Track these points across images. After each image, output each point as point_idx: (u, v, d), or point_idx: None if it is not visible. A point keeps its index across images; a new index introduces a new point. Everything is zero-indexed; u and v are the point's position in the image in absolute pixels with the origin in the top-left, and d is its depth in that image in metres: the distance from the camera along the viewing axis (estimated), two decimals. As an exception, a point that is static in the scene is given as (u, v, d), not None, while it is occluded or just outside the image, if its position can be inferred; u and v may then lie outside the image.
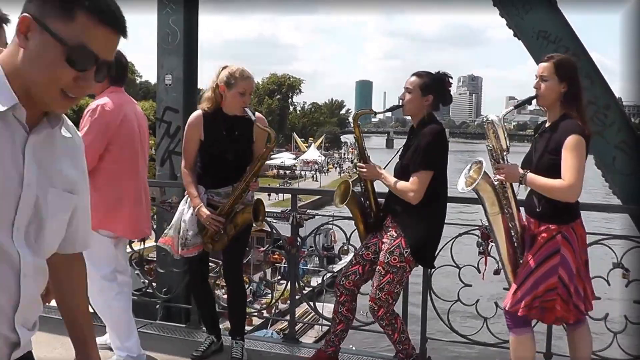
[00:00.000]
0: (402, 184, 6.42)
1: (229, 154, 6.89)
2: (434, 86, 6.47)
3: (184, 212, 6.91)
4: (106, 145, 6.51)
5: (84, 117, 6.43)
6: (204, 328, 7.70)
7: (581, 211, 5.96)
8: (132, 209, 6.89)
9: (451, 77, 6.67)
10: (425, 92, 6.44)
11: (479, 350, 8.30)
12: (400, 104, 6.64)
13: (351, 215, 7.01)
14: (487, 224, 6.17)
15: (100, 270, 6.72)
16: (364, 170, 6.75)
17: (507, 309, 5.87)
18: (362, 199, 6.87)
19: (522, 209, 6.06)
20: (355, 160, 7.00)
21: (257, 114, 6.89)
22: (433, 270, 7.38)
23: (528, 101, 6.03)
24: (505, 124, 5.91)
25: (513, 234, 5.95)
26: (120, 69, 6.74)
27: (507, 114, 6.04)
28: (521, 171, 5.72)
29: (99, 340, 7.22)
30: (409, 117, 6.66)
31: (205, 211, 6.75)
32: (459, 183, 5.90)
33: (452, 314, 7.74)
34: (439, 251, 6.93)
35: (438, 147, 6.40)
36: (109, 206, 6.63)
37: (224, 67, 6.83)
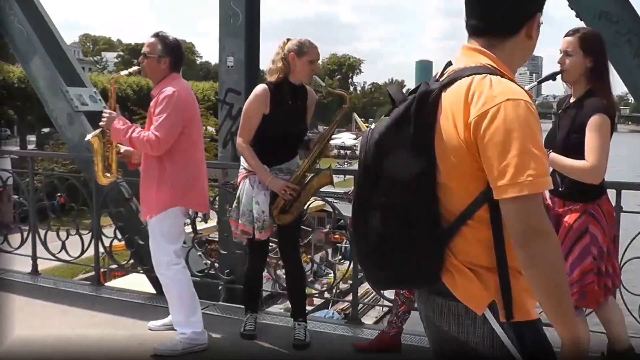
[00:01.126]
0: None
1: (297, 123, 7.00)
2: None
3: (254, 194, 6.90)
4: (182, 127, 6.70)
5: (161, 101, 6.61)
6: (246, 308, 7.63)
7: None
8: (203, 185, 7.21)
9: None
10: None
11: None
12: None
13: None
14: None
15: (174, 244, 6.96)
16: None
17: None
18: None
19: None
20: None
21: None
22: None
23: (552, 76, 5.83)
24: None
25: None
26: (181, 56, 6.95)
27: (531, 89, 5.90)
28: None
29: (160, 322, 7.33)
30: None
31: (279, 180, 6.81)
32: None
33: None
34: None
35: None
36: (187, 184, 6.87)
37: (288, 39, 6.90)
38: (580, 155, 5.41)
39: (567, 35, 5.71)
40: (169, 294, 7.08)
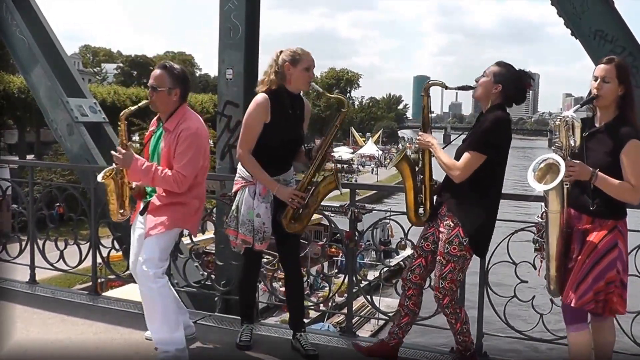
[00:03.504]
0: (449, 159, 6.46)
1: (296, 132, 7.05)
2: (507, 78, 6.45)
3: (254, 205, 6.95)
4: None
5: (184, 139, 6.73)
6: (243, 319, 7.67)
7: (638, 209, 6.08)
8: (202, 209, 7.37)
9: (532, 78, 6.73)
10: (497, 80, 6.44)
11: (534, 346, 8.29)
12: (473, 84, 6.67)
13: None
14: (541, 219, 6.21)
15: (164, 262, 6.99)
16: (420, 137, 6.79)
17: (573, 304, 5.87)
18: (417, 170, 6.82)
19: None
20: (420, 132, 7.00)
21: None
22: (490, 266, 7.47)
23: (591, 101, 6.01)
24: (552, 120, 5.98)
25: (564, 229, 6.00)
26: (188, 85, 7.12)
27: (576, 111, 6.07)
28: (590, 169, 5.75)
29: (147, 334, 7.37)
30: (466, 113, 6.68)
31: (286, 188, 6.90)
32: (529, 179, 5.84)
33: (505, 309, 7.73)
34: (496, 247, 7.00)
35: (496, 134, 6.39)
36: (194, 209, 7.06)
37: (281, 51, 6.97)
38: (612, 176, 5.76)
39: (602, 63, 6.05)
40: (152, 308, 7.01)
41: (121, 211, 7.15)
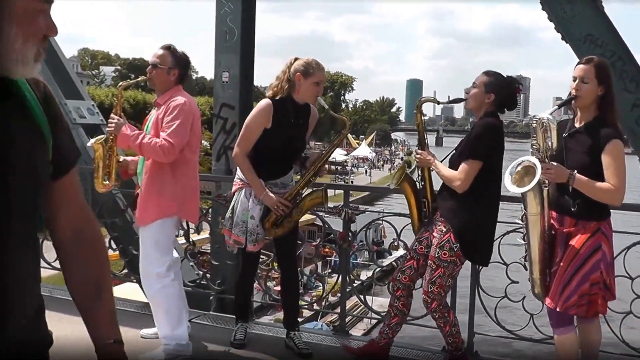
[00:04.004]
0: (449, 172, 6.53)
1: (296, 141, 7.13)
2: (499, 86, 6.56)
3: (249, 207, 7.03)
4: (189, 137, 6.90)
5: (173, 109, 6.79)
6: (237, 318, 7.75)
7: (629, 211, 6.13)
8: (197, 196, 7.38)
9: (521, 84, 6.80)
10: (489, 90, 6.53)
11: (525, 345, 8.38)
12: (463, 97, 6.80)
13: (400, 212, 7.12)
14: (521, 222, 6.29)
15: (166, 255, 7.06)
16: (419, 156, 6.86)
17: (559, 309, 5.92)
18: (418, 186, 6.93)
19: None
20: (416, 148, 7.10)
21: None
22: (481, 267, 7.51)
23: (569, 101, 6.04)
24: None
25: (545, 231, 6.03)
26: (187, 70, 7.18)
27: (553, 112, 6.12)
28: (568, 171, 5.78)
29: (152, 330, 7.44)
30: (458, 117, 6.79)
31: (273, 196, 6.94)
32: (505, 182, 5.96)
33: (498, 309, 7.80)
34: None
35: (489, 140, 6.49)
36: (185, 194, 7.02)
37: (296, 59, 7.04)
38: (591, 177, 5.76)
39: (581, 63, 6.03)
40: (155, 306, 7.18)
41: (105, 182, 7.16)
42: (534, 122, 6.03)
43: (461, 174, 6.42)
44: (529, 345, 8.06)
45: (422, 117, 7.01)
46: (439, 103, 7.24)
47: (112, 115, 7.08)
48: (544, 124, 5.92)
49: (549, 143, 5.90)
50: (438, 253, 6.57)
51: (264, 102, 7.05)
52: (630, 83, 8.60)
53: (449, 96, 7.39)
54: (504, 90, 6.60)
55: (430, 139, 7.46)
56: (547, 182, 5.93)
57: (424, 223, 6.97)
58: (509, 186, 5.93)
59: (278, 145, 7.00)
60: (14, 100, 2.34)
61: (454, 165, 6.59)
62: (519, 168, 5.94)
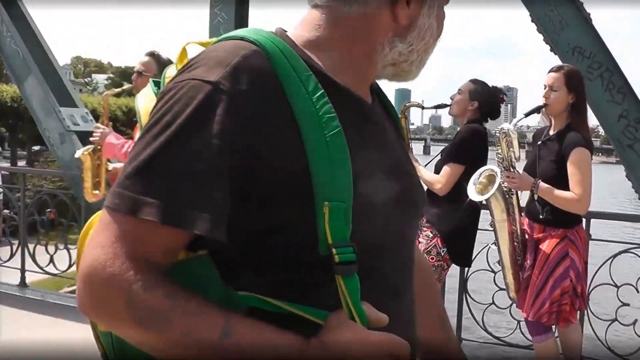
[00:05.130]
0: (430, 175, 6.59)
1: None
2: (483, 95, 6.64)
3: None
4: None
5: None
6: None
7: (614, 221, 6.18)
8: None
9: (505, 94, 6.88)
10: (473, 97, 6.62)
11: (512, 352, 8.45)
12: (448, 102, 6.87)
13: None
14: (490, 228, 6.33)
15: None
16: None
17: (530, 319, 6.03)
18: None
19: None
20: None
21: None
22: (469, 274, 7.63)
23: (537, 110, 6.13)
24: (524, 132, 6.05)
25: (515, 238, 6.11)
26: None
27: (519, 122, 6.19)
28: (532, 180, 5.87)
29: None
30: (445, 126, 6.85)
31: None
32: (469, 190, 6.03)
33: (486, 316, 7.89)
34: (476, 255, 7.18)
35: (471, 144, 6.53)
36: None
37: None
38: (559, 185, 5.79)
39: (552, 71, 6.07)
40: None
41: (95, 192, 7.25)
42: (497, 132, 6.13)
43: (442, 177, 6.46)
44: (516, 351, 8.11)
45: (408, 122, 7.07)
46: (423, 108, 7.31)
47: (97, 125, 7.14)
48: (506, 134, 6.02)
49: (512, 152, 6.00)
50: (425, 259, 6.58)
51: None
52: (617, 94, 8.69)
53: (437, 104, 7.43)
54: (487, 99, 6.69)
55: (418, 147, 7.56)
56: (513, 190, 6.04)
57: None
58: (471, 195, 5.99)
59: None
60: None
61: (439, 170, 6.63)
62: (482, 178, 6.02)
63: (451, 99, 6.82)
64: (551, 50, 9.06)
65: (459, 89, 6.76)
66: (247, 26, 11.15)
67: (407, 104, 7.19)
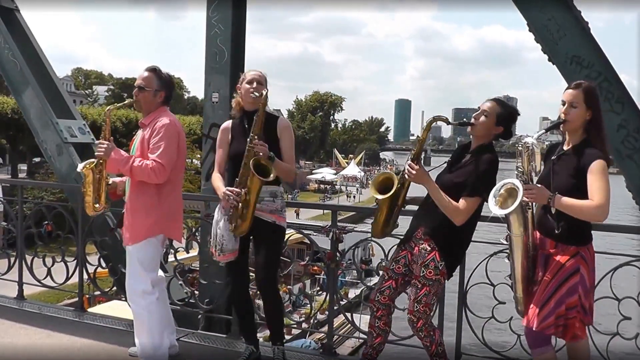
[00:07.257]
0: (452, 203, 6.44)
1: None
2: (508, 120, 6.59)
3: (218, 218, 6.99)
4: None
5: (159, 129, 6.87)
6: (243, 338, 7.68)
7: (614, 232, 6.15)
8: (181, 215, 7.47)
9: (519, 113, 6.87)
10: (499, 122, 6.54)
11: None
12: (472, 121, 6.66)
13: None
14: (505, 242, 6.29)
15: (151, 273, 7.13)
16: (414, 171, 6.61)
17: (534, 328, 5.94)
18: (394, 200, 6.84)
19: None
20: (409, 158, 7.00)
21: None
22: (468, 287, 7.60)
23: (557, 126, 6.10)
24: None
25: (530, 252, 6.08)
26: (172, 90, 7.25)
27: (540, 136, 6.16)
28: (549, 193, 5.81)
29: (135, 349, 7.45)
30: (445, 136, 6.76)
31: (221, 187, 6.94)
32: (489, 203, 5.96)
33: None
34: (475, 268, 7.19)
35: (492, 177, 6.45)
36: (171, 213, 7.13)
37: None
38: (576, 198, 5.74)
39: (570, 88, 6.08)
40: (138, 323, 7.23)
41: (96, 205, 7.26)
42: (520, 145, 6.02)
43: (464, 208, 6.42)
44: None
45: (426, 136, 7.02)
46: (449, 123, 7.23)
47: (100, 140, 7.14)
48: (529, 148, 5.94)
49: (533, 166, 5.92)
50: (423, 272, 6.52)
51: (225, 122, 7.27)
52: (616, 104, 8.68)
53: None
54: (510, 124, 6.64)
55: (418, 158, 7.42)
56: (530, 203, 6.01)
57: (401, 241, 6.98)
58: (492, 208, 5.92)
59: (235, 155, 6.96)
60: None
61: (444, 182, 6.60)
62: (502, 190, 5.97)
63: (475, 118, 6.65)
64: (549, 60, 9.05)
65: (484, 111, 6.60)
66: (244, 38, 11.22)
67: (435, 117, 7.05)
